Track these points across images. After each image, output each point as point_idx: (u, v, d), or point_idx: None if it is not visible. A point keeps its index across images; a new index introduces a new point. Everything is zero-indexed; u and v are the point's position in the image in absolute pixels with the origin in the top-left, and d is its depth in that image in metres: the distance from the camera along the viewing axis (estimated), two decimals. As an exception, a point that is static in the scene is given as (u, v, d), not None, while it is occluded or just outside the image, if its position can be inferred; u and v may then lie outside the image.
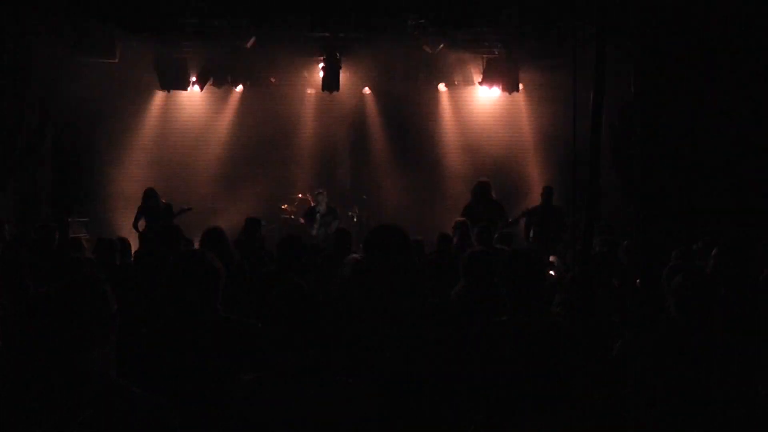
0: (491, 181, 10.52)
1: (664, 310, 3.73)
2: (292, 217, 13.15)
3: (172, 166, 13.45)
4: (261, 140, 13.59)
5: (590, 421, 2.87)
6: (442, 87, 13.85)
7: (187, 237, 7.19)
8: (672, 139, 9.63)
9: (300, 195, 13.62)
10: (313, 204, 12.40)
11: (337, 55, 12.69)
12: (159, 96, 13.60)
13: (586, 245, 2.76)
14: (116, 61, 11.79)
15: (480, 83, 13.18)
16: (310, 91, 14.08)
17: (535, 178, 13.22)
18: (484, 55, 12.78)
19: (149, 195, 10.86)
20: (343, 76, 13.16)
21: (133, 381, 2.35)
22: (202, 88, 13.31)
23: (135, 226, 10.90)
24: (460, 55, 12.58)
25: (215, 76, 13.22)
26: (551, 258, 8.73)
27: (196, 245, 6.97)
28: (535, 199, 12.36)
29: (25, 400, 2.26)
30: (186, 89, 13.25)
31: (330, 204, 12.27)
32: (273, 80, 13.61)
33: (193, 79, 13.15)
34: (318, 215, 12.00)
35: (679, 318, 3.50)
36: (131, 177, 13.12)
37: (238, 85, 13.68)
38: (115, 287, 2.48)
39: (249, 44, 11.66)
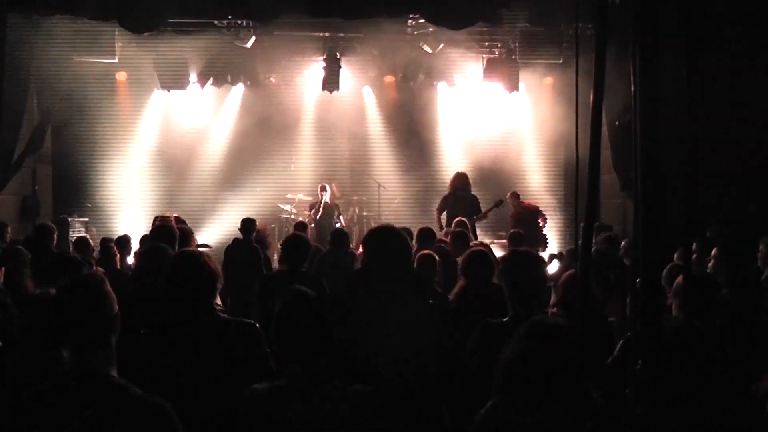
0: (468, 174, 10.73)
1: (665, 310, 3.73)
2: (292, 216, 13.15)
3: (172, 166, 13.45)
4: (261, 140, 13.60)
5: (590, 421, 2.86)
6: (442, 87, 13.84)
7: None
8: (673, 138, 9.62)
9: (300, 195, 13.63)
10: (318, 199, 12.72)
11: (337, 55, 12.69)
12: (159, 96, 13.59)
13: (586, 245, 2.76)
14: (116, 61, 11.79)
15: (480, 83, 13.17)
16: (310, 90, 14.08)
17: (535, 177, 13.23)
18: (484, 55, 12.78)
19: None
20: (343, 76, 13.17)
21: (133, 382, 2.35)
22: (202, 88, 13.30)
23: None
24: (460, 55, 12.58)
25: (215, 76, 13.20)
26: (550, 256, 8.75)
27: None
28: (534, 199, 12.39)
29: (25, 399, 2.26)
30: (186, 89, 13.25)
31: (330, 202, 12.50)
32: (273, 80, 13.61)
33: (193, 79, 13.14)
34: (313, 211, 12.35)
35: (680, 318, 3.50)
36: (131, 177, 13.13)
37: (238, 84, 13.68)
38: (115, 288, 2.48)
39: (249, 44, 11.66)
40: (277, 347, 2.74)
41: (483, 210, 10.50)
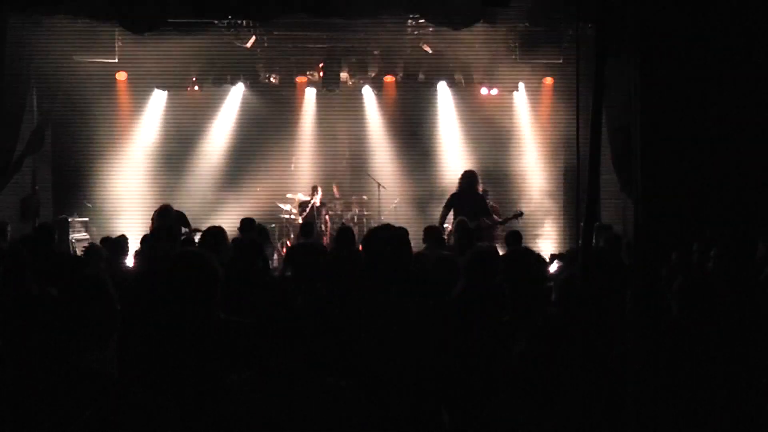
0: (478, 173, 10.67)
1: (665, 310, 3.73)
2: (292, 216, 13.15)
3: (171, 166, 13.44)
4: (261, 140, 13.60)
5: (590, 420, 2.86)
6: (442, 87, 13.84)
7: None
8: (673, 138, 9.64)
9: (300, 195, 13.63)
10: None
11: (337, 54, 12.69)
12: (159, 96, 13.59)
13: (586, 245, 2.76)
14: (116, 61, 11.79)
15: (480, 83, 13.16)
16: (310, 90, 14.08)
17: (535, 178, 13.23)
18: (484, 55, 12.77)
19: (159, 215, 9.35)
20: (343, 76, 13.15)
21: (133, 381, 2.35)
22: (202, 88, 13.30)
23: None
24: (460, 55, 12.58)
25: (215, 76, 13.21)
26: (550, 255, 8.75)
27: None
28: (534, 198, 12.39)
29: (26, 400, 2.26)
30: (186, 89, 13.23)
31: (319, 204, 12.59)
32: (273, 80, 13.61)
33: (193, 79, 13.13)
34: (303, 215, 12.59)
35: (680, 318, 3.50)
36: (131, 177, 13.13)
37: (238, 84, 13.68)
38: (116, 288, 2.48)
39: (249, 44, 11.66)
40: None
41: (490, 212, 10.41)
